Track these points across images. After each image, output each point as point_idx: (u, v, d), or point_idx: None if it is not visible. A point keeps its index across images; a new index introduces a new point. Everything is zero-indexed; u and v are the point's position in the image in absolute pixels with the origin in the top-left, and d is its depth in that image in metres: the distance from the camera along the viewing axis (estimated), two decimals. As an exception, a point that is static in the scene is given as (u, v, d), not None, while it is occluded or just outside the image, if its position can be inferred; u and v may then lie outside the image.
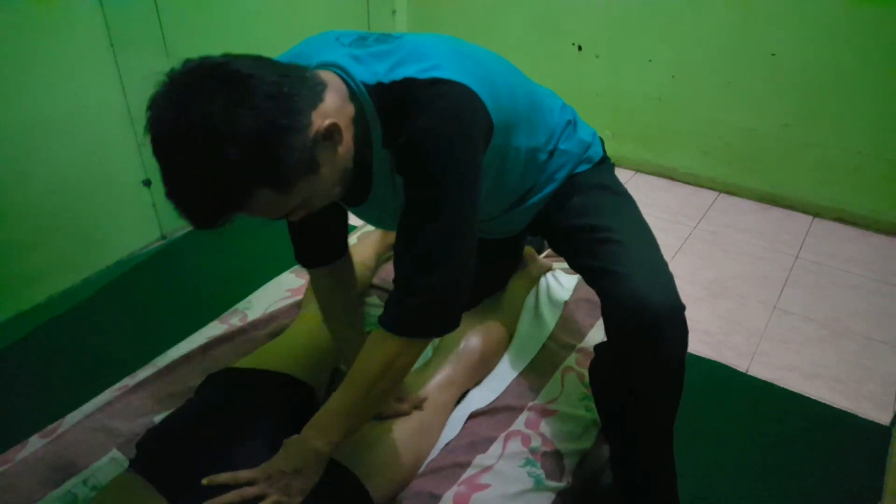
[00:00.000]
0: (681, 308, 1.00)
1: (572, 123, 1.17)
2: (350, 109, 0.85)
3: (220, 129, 0.70)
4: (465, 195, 0.88)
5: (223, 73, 0.73)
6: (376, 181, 0.96)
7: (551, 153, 1.12)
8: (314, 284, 1.17)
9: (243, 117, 0.71)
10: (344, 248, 1.15)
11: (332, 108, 0.82)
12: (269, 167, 0.75)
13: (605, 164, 1.21)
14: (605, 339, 1.12)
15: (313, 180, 0.82)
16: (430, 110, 0.84)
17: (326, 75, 0.85)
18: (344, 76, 0.86)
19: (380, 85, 0.86)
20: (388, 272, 1.66)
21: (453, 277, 0.90)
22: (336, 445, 0.96)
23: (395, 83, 0.86)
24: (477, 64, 0.93)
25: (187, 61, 0.75)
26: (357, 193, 0.99)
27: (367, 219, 1.15)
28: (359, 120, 0.87)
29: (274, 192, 0.78)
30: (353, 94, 0.86)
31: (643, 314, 0.97)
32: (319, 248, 1.12)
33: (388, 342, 0.93)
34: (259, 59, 0.77)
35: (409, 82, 0.85)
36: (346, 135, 0.84)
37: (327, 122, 0.80)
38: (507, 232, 1.25)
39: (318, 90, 0.81)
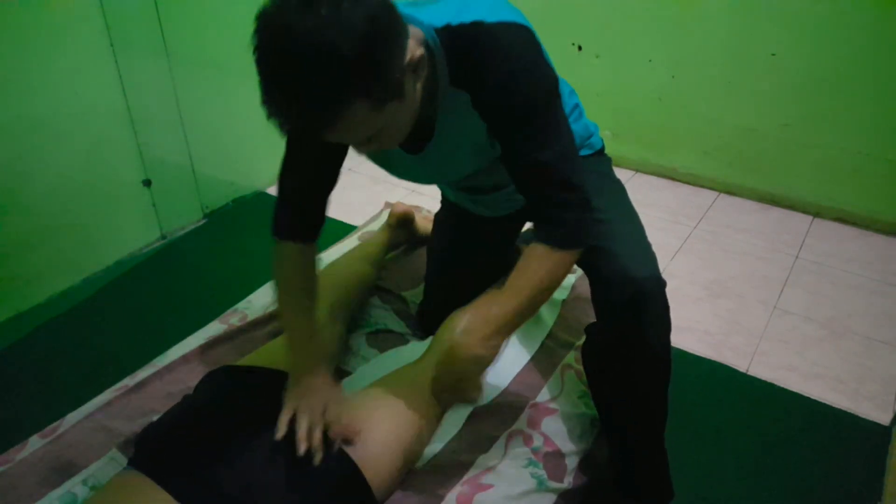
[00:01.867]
0: (663, 283, 1.06)
1: (579, 108, 1.23)
2: (423, 50, 0.88)
3: (340, 29, 0.73)
4: (562, 116, 0.99)
5: None
6: (442, 122, 1.01)
7: None
8: (279, 260, 1.13)
9: (363, 21, 0.75)
10: (317, 230, 1.14)
11: (414, 44, 0.86)
12: (374, 74, 0.78)
13: (603, 156, 1.28)
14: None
15: (399, 107, 0.85)
16: (503, 47, 0.91)
17: None
18: (413, 20, 0.90)
19: (448, 27, 0.91)
20: (389, 273, 1.66)
21: (584, 189, 0.99)
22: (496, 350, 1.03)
23: (463, 25, 0.91)
24: (524, 19, 1.00)
25: None
26: (418, 139, 1.03)
27: (421, 172, 1.16)
28: (429, 61, 0.91)
29: (368, 106, 0.80)
30: (423, 37, 0.90)
31: (629, 287, 1.03)
32: (302, 220, 1.11)
33: (554, 255, 1.00)
34: None
35: (478, 25, 0.91)
36: (424, 71, 0.89)
37: (418, 52, 0.85)
38: (509, 208, 1.31)
39: (405, 25, 0.84)
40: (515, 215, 1.35)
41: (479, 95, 0.95)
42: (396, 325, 1.52)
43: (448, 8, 0.93)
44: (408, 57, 0.83)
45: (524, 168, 0.99)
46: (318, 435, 0.99)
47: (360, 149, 0.92)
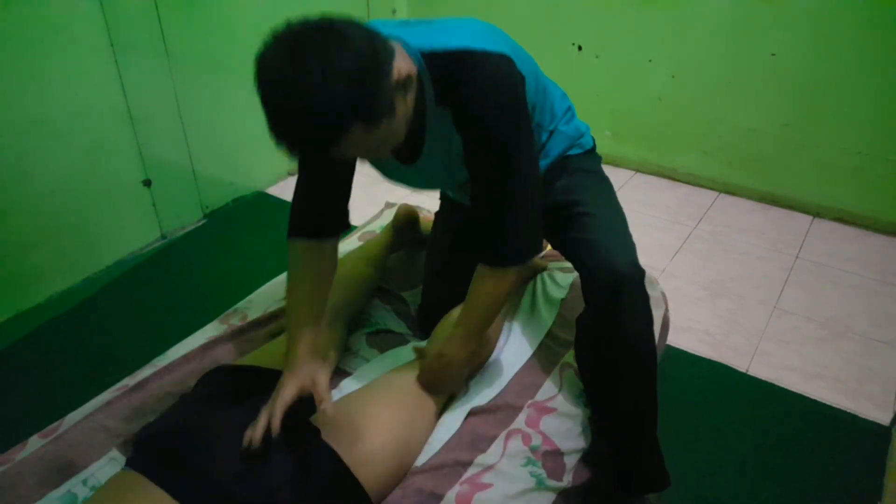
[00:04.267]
0: (641, 272, 1.16)
1: (571, 111, 1.31)
2: (413, 68, 0.96)
3: (331, 68, 0.81)
4: (525, 143, 1.05)
5: (326, 27, 0.84)
6: (430, 138, 1.08)
7: (551, 133, 1.25)
8: (294, 259, 1.16)
9: (348, 59, 0.82)
10: (338, 229, 1.18)
11: (402, 63, 0.93)
12: (365, 104, 0.85)
13: (593, 154, 1.35)
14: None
15: (391, 122, 0.91)
16: (486, 76, 0.99)
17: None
18: (400, 43, 0.97)
19: (433, 52, 0.99)
20: (389, 273, 1.66)
21: (534, 211, 1.09)
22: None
23: (447, 51, 0.99)
24: (509, 43, 1.08)
25: (289, 22, 0.85)
26: (410, 150, 1.11)
27: (416, 179, 1.23)
28: (416, 79, 0.98)
29: (363, 128, 0.86)
30: (409, 58, 0.97)
31: (609, 275, 1.13)
32: (319, 218, 1.16)
33: (497, 275, 1.12)
34: (348, 19, 0.88)
35: (462, 52, 0.99)
36: (413, 85, 0.96)
37: (405, 70, 0.92)
38: None
39: (390, 47, 0.91)
40: None
41: (458, 118, 1.03)
42: (396, 325, 1.52)
43: (436, 33, 1.02)
44: (395, 76, 0.89)
45: (480, 186, 1.08)
46: (260, 426, 0.98)
47: (361, 158, 1.00)
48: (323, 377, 1.07)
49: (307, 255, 1.16)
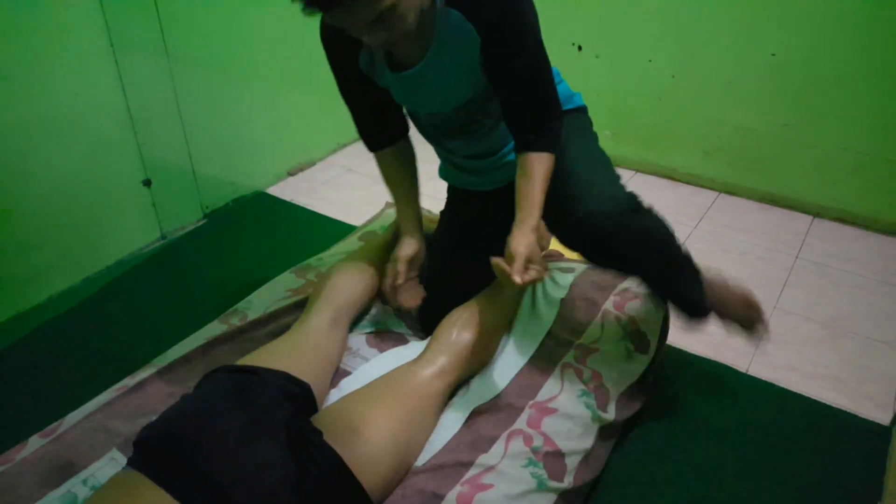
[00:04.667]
0: (628, 209, 1.24)
1: (560, 78, 1.45)
2: None
3: None
4: (537, 26, 1.16)
5: None
6: (437, 39, 1.14)
7: None
8: (384, 163, 1.44)
9: None
10: (404, 131, 1.42)
11: None
12: None
13: (582, 112, 1.47)
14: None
15: None
16: None
17: None
18: None
19: None
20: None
21: (557, 102, 1.23)
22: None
23: None
24: None
25: None
26: (411, 55, 1.18)
27: (418, 93, 1.28)
28: None
29: None
30: None
31: (594, 228, 1.21)
32: (381, 132, 1.39)
33: (547, 158, 1.20)
34: None
35: None
36: None
37: None
38: (500, 179, 1.43)
39: None
40: (507, 192, 1.37)
41: (475, 10, 1.09)
42: (396, 325, 1.52)
43: None
44: None
45: (508, 75, 1.16)
46: (389, 277, 1.42)
47: (372, 36, 1.01)
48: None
49: (393, 157, 1.42)
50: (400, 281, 1.40)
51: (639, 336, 1.46)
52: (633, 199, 1.27)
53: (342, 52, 1.26)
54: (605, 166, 1.34)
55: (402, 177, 1.45)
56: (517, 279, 1.10)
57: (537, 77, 1.18)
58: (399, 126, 1.41)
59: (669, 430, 1.51)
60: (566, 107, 1.38)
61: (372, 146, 1.42)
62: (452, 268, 1.50)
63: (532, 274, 1.12)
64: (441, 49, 1.15)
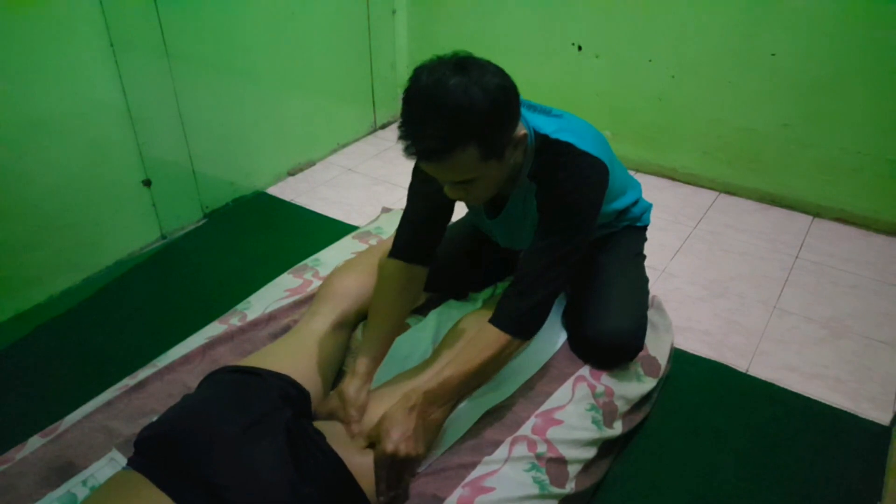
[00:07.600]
0: (630, 344, 1.41)
1: (640, 199, 1.54)
2: (527, 136, 1.10)
3: (481, 82, 0.95)
4: (580, 243, 1.17)
5: (487, 62, 1.00)
6: (512, 200, 1.25)
7: (618, 217, 1.50)
8: (385, 274, 1.30)
9: (496, 88, 0.97)
10: (429, 260, 1.31)
11: (521, 127, 1.08)
12: (492, 129, 0.98)
13: (642, 230, 1.57)
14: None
15: (496, 166, 1.04)
16: (581, 170, 1.15)
17: None
18: (523, 118, 1.11)
19: (546, 137, 1.15)
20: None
21: (558, 290, 1.18)
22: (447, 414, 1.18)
23: (558, 141, 1.15)
24: (608, 151, 1.28)
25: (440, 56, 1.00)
26: (495, 207, 1.30)
27: (498, 230, 1.39)
28: (524, 147, 1.15)
29: (477, 154, 0.98)
30: (525, 131, 1.10)
31: (605, 352, 1.39)
32: (417, 246, 1.29)
33: (502, 338, 1.16)
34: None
35: (569, 146, 1.15)
36: (522, 148, 1.12)
37: (522, 132, 1.07)
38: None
39: (521, 111, 1.07)
40: None
41: (543, 194, 1.17)
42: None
43: (553, 123, 1.17)
44: (516, 133, 1.04)
45: (535, 247, 1.18)
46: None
47: (453, 190, 1.08)
48: (363, 396, 1.19)
49: (398, 275, 1.28)
50: (355, 428, 1.15)
51: (648, 360, 1.49)
52: (637, 334, 1.43)
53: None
54: (631, 295, 1.45)
55: (393, 300, 1.28)
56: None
57: (548, 284, 1.16)
58: (430, 254, 1.31)
59: (669, 430, 1.51)
60: (637, 224, 1.53)
61: (396, 251, 1.30)
62: (462, 234, 1.57)
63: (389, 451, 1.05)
64: (513, 209, 1.26)
